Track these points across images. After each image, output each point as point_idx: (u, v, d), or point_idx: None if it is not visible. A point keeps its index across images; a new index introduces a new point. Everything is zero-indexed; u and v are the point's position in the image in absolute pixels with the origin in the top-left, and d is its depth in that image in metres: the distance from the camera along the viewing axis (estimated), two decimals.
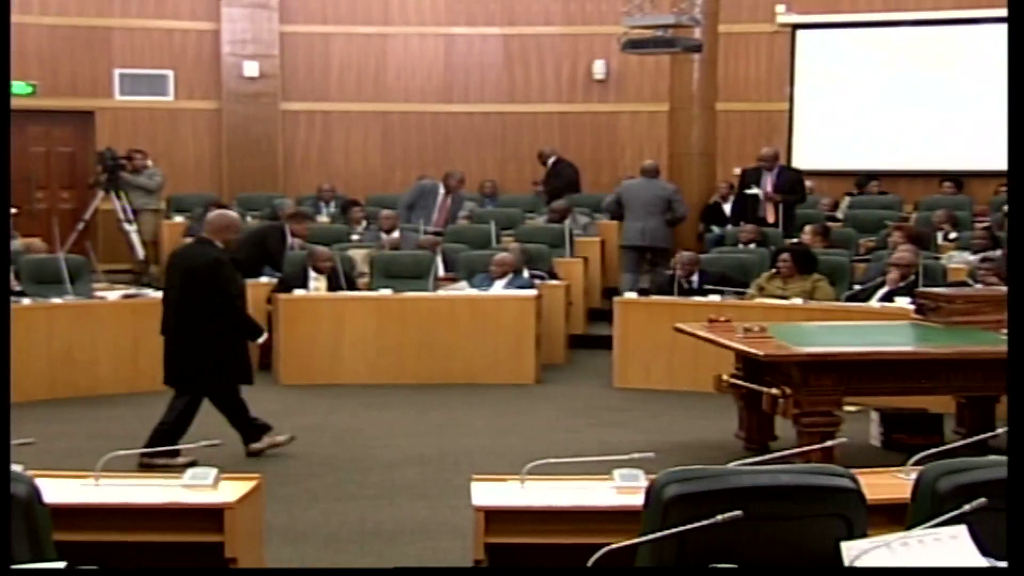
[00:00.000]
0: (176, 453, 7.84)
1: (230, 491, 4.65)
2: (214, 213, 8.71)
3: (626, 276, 13.70)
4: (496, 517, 4.43)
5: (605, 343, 11.50)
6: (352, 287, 11.78)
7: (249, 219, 14.60)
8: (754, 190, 13.66)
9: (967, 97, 15.86)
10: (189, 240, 10.37)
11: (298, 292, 11.54)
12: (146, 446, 7.73)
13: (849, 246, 12.94)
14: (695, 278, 11.57)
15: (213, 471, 4.75)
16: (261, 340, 8.65)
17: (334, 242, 13.00)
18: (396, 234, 13.63)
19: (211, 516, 4.51)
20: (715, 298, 10.97)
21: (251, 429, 8.44)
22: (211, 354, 8.18)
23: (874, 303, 10.62)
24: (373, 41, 17.40)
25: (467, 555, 4.62)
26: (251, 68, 17.01)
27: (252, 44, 16.94)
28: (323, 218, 15.38)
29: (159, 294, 11.43)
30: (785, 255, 11.28)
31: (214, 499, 4.58)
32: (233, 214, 8.83)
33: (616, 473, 4.68)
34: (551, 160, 16.21)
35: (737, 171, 16.29)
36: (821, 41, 16.43)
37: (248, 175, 16.91)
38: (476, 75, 17.38)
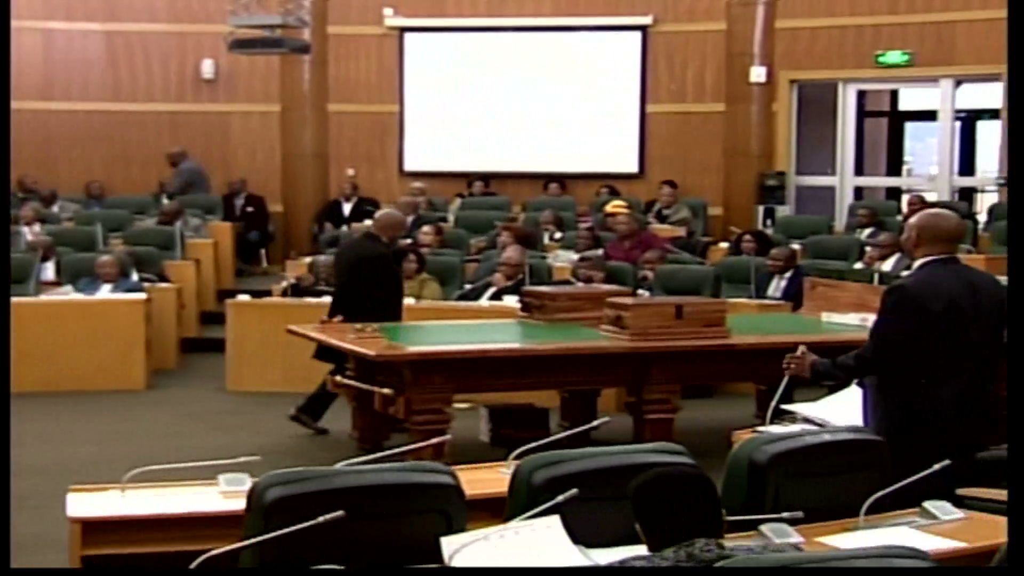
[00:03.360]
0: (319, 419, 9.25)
1: None
2: (382, 212, 9.69)
3: None
4: (94, 528, 4.30)
5: (219, 346, 11.32)
6: None
7: None
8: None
9: (570, 102, 16.43)
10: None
11: None
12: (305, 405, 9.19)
13: (460, 246, 13.21)
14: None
15: None
16: None
17: None
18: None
19: None
20: (328, 299, 10.96)
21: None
22: None
23: (483, 302, 10.87)
24: None
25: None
26: None
27: None
28: None
29: None
30: (412, 255, 11.43)
31: None
32: (399, 214, 9.83)
33: (221, 478, 4.62)
34: None
35: (351, 171, 16.43)
36: (429, 44, 16.67)
37: None
38: (78, 72, 16.75)
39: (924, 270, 5.50)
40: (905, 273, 6.28)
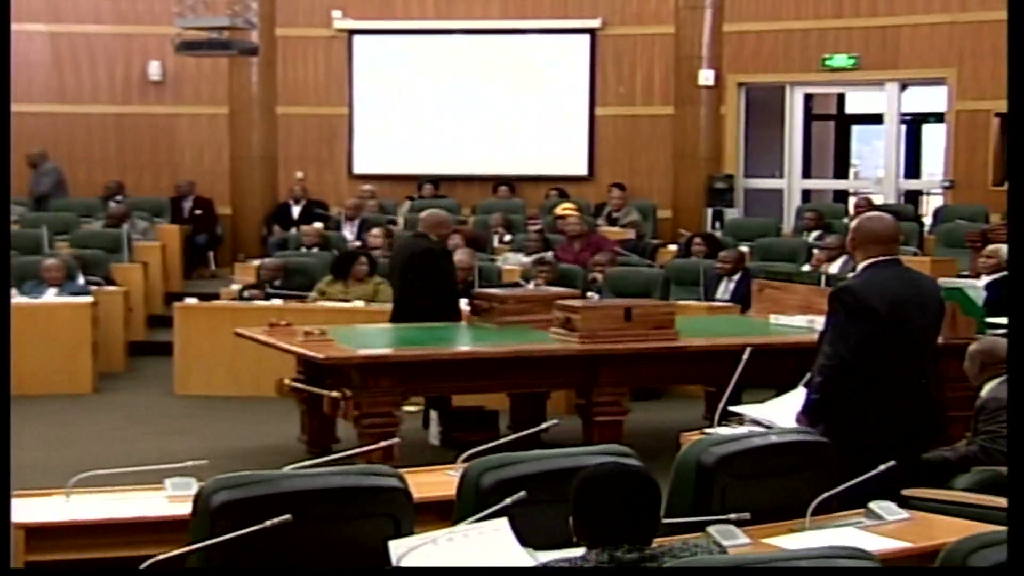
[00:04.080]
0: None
1: None
2: (428, 212, 9.61)
3: None
4: (38, 534, 4.26)
5: (167, 349, 11.26)
6: None
7: None
8: None
9: (519, 105, 16.42)
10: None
11: None
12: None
13: None
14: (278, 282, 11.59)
15: None
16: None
17: None
18: None
19: None
20: (277, 302, 10.95)
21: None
22: None
23: None
24: None
25: None
26: None
27: None
28: None
29: None
30: (363, 258, 11.41)
31: None
32: (445, 213, 9.83)
33: (168, 482, 4.60)
34: None
35: (300, 174, 16.37)
36: (377, 47, 16.62)
37: None
38: (22, 74, 16.51)
39: (867, 272, 5.56)
40: (851, 275, 6.33)
